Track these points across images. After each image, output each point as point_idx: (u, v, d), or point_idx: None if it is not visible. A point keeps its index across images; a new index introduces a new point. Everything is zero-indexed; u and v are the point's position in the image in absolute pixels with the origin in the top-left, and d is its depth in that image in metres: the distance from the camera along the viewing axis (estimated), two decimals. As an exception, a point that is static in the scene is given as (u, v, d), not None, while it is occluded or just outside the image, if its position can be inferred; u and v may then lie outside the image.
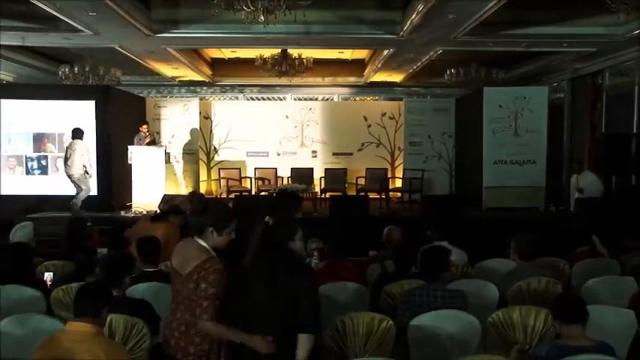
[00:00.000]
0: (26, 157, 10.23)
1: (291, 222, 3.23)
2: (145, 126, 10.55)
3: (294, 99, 14.78)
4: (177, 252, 3.10)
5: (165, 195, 9.79)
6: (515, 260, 4.76)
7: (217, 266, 2.93)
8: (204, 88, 14.86)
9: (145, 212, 9.51)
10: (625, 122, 10.00)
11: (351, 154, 13.25)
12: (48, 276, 4.64)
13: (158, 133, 12.25)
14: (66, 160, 9.12)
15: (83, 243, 5.51)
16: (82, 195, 9.17)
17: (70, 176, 9.12)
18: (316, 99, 14.64)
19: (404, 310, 3.73)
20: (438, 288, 3.76)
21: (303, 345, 2.86)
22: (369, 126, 13.27)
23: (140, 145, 10.24)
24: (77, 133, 9.20)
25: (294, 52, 10.93)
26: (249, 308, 2.93)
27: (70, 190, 9.41)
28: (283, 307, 2.87)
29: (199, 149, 12.78)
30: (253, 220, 3.11)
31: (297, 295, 2.86)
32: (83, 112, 10.18)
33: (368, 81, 13.97)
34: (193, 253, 2.99)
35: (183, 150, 12.39)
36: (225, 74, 14.07)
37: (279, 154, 13.24)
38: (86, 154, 9.20)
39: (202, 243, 3.01)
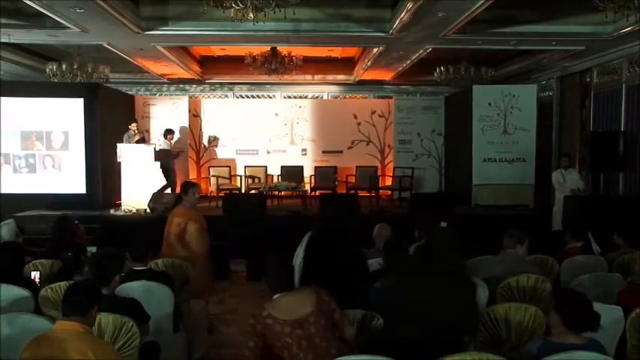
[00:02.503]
0: (13, 155, 10.14)
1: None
2: (133, 124, 10.52)
3: (284, 97, 14.75)
4: (275, 305, 3.18)
5: (153, 193, 9.76)
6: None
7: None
8: (194, 85, 14.78)
9: (134, 210, 9.47)
10: (613, 120, 10.07)
11: (340, 152, 13.26)
12: (35, 274, 4.61)
13: (147, 131, 12.21)
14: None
15: (71, 241, 5.45)
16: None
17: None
18: (306, 97, 14.62)
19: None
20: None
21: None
22: (359, 124, 13.29)
23: (129, 143, 10.20)
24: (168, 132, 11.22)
25: (283, 49, 10.89)
26: (415, 305, 3.02)
27: (57, 188, 9.64)
28: (448, 306, 2.97)
29: (189, 147, 12.74)
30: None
31: (460, 299, 3.02)
32: (71, 110, 10.14)
33: (357, 79, 13.95)
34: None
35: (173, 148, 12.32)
36: (214, 72, 13.99)
37: (268, 152, 13.23)
38: None
39: None
